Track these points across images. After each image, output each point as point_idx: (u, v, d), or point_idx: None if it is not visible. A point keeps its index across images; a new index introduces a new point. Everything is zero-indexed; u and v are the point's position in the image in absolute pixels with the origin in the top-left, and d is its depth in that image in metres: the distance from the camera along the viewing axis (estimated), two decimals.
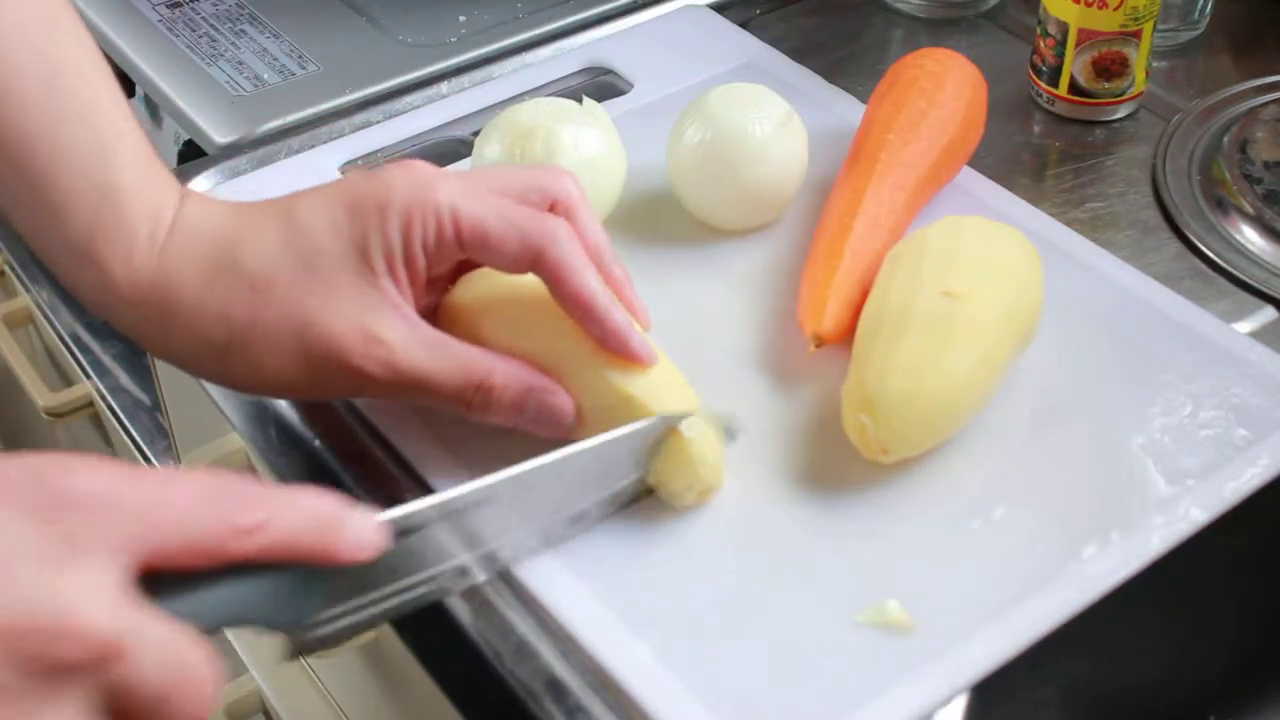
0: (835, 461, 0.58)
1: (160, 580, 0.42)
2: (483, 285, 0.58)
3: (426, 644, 0.57)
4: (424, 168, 0.56)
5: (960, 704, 0.50)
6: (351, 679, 0.75)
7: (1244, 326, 0.66)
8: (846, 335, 0.61)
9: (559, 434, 0.56)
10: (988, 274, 0.58)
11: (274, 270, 0.54)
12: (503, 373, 0.55)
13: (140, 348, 0.58)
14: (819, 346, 0.61)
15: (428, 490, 0.57)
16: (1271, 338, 0.64)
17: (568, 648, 0.52)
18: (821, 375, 0.61)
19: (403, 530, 0.49)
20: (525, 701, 0.51)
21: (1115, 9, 0.75)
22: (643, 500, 0.56)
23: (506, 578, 0.54)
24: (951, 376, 0.56)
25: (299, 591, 0.46)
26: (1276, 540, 0.62)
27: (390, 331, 0.54)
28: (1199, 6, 0.86)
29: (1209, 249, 0.70)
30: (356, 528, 0.46)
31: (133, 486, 0.41)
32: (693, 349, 0.61)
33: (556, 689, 0.51)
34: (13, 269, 1.07)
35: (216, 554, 0.43)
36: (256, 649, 0.79)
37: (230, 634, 0.81)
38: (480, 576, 0.54)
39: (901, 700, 0.49)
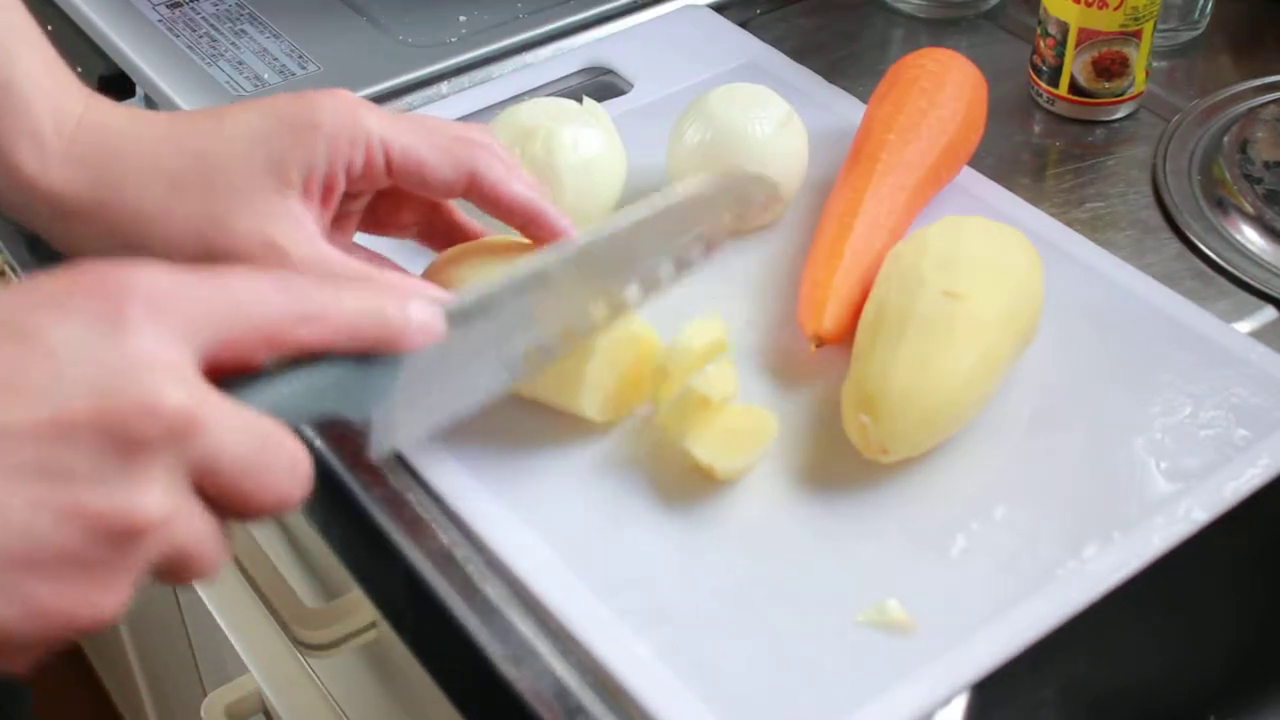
0: (835, 461, 0.58)
1: (230, 383, 0.43)
2: (463, 263, 0.59)
3: (426, 644, 0.57)
4: (350, 96, 0.57)
5: (960, 704, 0.50)
6: (351, 679, 0.75)
7: (1244, 326, 0.66)
8: (846, 335, 0.61)
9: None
10: (988, 274, 0.58)
11: (189, 171, 0.55)
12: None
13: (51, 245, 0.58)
14: (819, 346, 0.61)
15: (425, 486, 0.57)
16: (1271, 338, 0.64)
17: (568, 648, 0.52)
18: (821, 375, 0.61)
19: (470, 312, 0.50)
20: (526, 702, 0.51)
21: (1115, 9, 0.75)
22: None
23: (506, 577, 0.54)
24: (951, 376, 0.56)
25: (369, 381, 0.47)
26: (1276, 540, 0.62)
27: (290, 241, 0.55)
28: (1199, 6, 0.86)
29: (1209, 249, 0.70)
30: (417, 313, 0.47)
31: (194, 280, 0.42)
32: None
33: (557, 689, 0.51)
34: (13, 269, 1.07)
35: (282, 340, 0.44)
36: (256, 649, 0.79)
37: (231, 632, 0.81)
38: (557, 353, 0.54)
39: (901, 700, 0.49)
